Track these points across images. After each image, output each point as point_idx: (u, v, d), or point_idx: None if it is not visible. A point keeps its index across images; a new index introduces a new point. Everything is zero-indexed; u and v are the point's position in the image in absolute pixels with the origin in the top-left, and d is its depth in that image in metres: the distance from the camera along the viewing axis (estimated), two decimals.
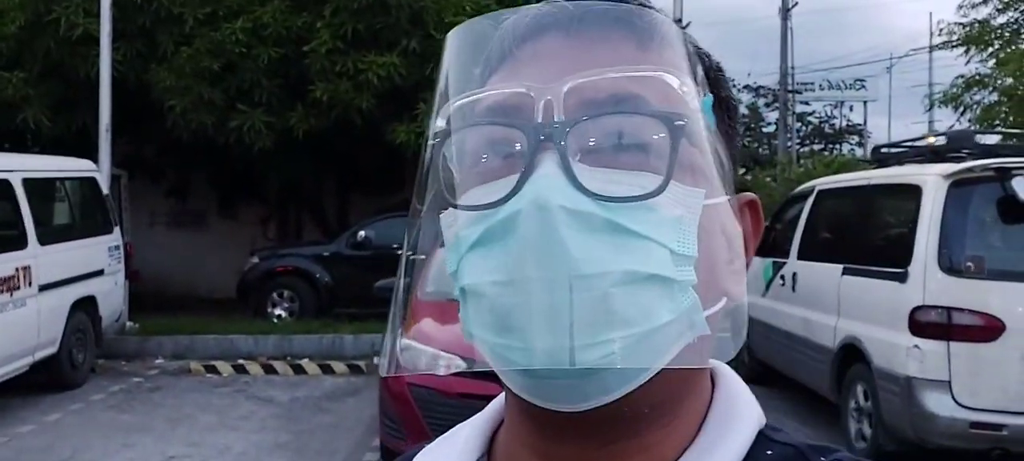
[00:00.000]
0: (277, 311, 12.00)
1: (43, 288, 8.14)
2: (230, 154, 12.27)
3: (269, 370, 9.76)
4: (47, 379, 8.42)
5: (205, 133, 11.45)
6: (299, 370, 9.76)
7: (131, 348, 10.45)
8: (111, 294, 9.63)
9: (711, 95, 0.61)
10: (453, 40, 0.64)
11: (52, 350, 8.31)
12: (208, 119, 11.21)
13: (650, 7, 0.63)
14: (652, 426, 0.60)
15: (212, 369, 9.76)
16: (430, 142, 0.62)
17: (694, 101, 0.59)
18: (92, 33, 10.82)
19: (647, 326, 0.55)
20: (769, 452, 0.63)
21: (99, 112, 10.82)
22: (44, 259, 8.19)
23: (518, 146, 0.58)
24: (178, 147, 12.74)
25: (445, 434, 0.73)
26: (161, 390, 8.91)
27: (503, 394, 0.68)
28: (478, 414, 0.73)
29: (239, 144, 11.47)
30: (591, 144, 0.57)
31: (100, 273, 9.29)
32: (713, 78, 0.65)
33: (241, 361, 9.95)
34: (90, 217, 9.64)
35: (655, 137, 0.57)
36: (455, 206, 0.60)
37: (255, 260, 12.49)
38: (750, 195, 0.69)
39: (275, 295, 12.08)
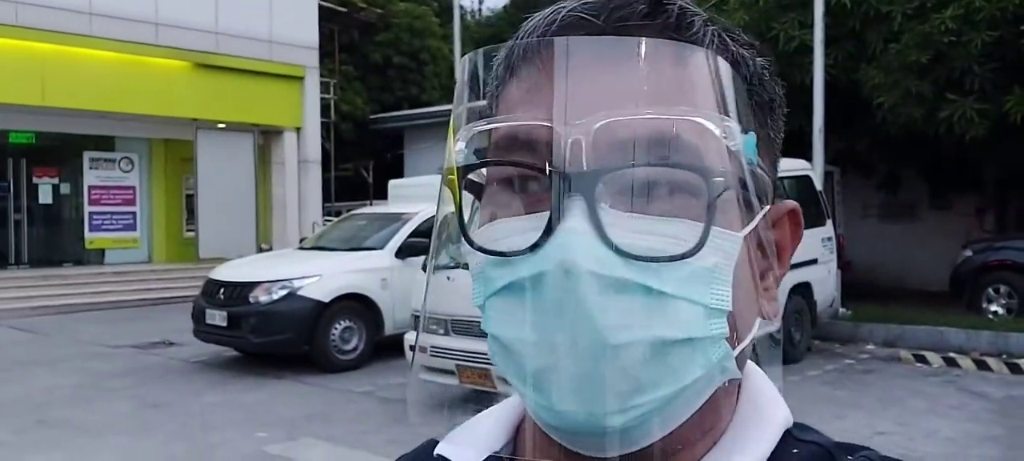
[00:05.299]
0: (992, 307, 11.46)
1: None
2: (941, 145, 12.12)
3: (982, 366, 9.48)
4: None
5: (914, 125, 11.56)
6: (1016, 369, 9.27)
7: (844, 332, 11.19)
8: (824, 281, 10.46)
9: (753, 133, 0.56)
10: (469, 61, 0.59)
11: (776, 325, 9.48)
12: (916, 111, 11.30)
13: (694, 13, 0.58)
14: (680, 442, 0.58)
15: (921, 358, 9.89)
16: (446, 175, 0.58)
17: (736, 139, 0.54)
18: (806, 43, 11.85)
19: (677, 386, 0.53)
20: (796, 451, 0.62)
21: (813, 114, 11.81)
22: None
23: (541, 186, 0.54)
24: (888, 141, 13.04)
25: (464, 424, 0.68)
26: (872, 373, 9.41)
27: None
28: (498, 405, 0.71)
29: (949, 134, 11.29)
30: (621, 188, 0.52)
31: (814, 262, 10.17)
32: (755, 82, 0.61)
33: (952, 354, 9.87)
34: (805, 210, 10.57)
35: (691, 188, 0.53)
36: (472, 244, 0.56)
37: (968, 253, 12.12)
38: (791, 204, 0.65)
39: (990, 290, 11.56)
